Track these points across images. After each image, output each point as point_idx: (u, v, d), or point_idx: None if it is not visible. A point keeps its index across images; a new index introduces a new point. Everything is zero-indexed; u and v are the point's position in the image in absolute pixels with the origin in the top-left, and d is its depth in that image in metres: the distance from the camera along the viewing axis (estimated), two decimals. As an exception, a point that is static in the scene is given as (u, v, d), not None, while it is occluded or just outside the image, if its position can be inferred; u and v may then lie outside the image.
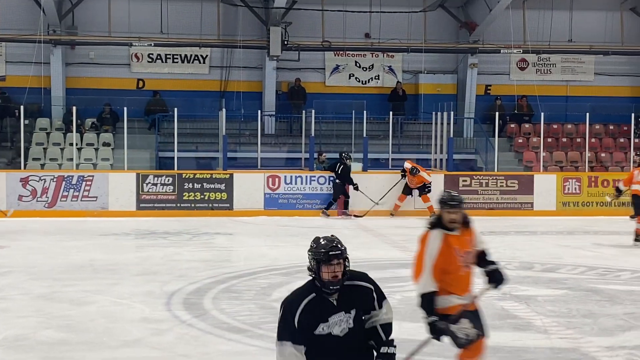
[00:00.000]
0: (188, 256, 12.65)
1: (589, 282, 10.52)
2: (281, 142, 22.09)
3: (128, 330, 7.83)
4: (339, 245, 4.46)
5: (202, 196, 18.64)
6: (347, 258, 4.40)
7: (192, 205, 18.60)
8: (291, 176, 18.98)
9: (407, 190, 18.71)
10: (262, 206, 18.71)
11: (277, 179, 18.86)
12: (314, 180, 18.96)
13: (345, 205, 18.46)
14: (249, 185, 18.80)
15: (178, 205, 18.54)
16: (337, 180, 18.31)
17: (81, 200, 18.14)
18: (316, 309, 4.25)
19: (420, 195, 18.50)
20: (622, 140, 22.36)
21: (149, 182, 18.47)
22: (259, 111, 20.48)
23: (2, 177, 18.08)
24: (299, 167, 20.30)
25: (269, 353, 7.06)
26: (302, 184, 18.93)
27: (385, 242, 14.64)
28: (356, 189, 18.27)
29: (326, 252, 4.43)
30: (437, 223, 5.61)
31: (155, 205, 18.44)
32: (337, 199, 18.45)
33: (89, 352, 7.01)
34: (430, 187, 18.27)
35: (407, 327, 8.10)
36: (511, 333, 7.84)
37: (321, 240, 4.56)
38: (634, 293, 9.79)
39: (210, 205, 18.61)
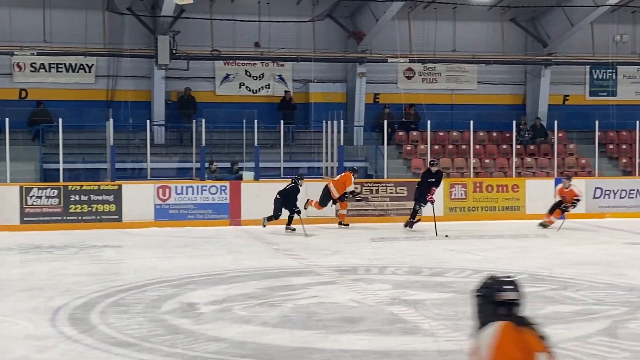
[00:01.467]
0: (75, 270, 12.31)
1: (474, 285, 10.79)
2: (171, 152, 21.81)
3: (11, 348, 7.56)
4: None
5: (90, 208, 18.19)
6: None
7: (79, 217, 18.12)
8: (182, 186, 18.76)
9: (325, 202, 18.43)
10: (152, 217, 18.41)
11: (167, 190, 18.60)
12: (206, 190, 18.79)
13: (289, 220, 17.52)
14: (138, 197, 18.47)
15: (64, 218, 18.03)
16: (279, 197, 17.46)
17: (-40, 215, 17.42)
18: None
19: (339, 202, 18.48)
20: (504, 146, 23.10)
21: (33, 195, 17.90)
22: (148, 121, 20.18)
23: None
24: (190, 177, 20.09)
25: (157, 366, 6.96)
26: (193, 194, 18.74)
27: (278, 251, 14.65)
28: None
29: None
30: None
31: (40, 218, 17.88)
32: (279, 214, 17.57)
33: (-33, 373, 6.73)
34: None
35: (299, 334, 8.13)
36: (400, 337, 7.96)
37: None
38: (517, 294, 10.09)
39: (98, 217, 18.18)
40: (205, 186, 18.85)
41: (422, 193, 17.55)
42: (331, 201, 18.39)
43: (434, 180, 17.59)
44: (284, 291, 10.46)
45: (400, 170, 22.01)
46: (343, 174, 18.61)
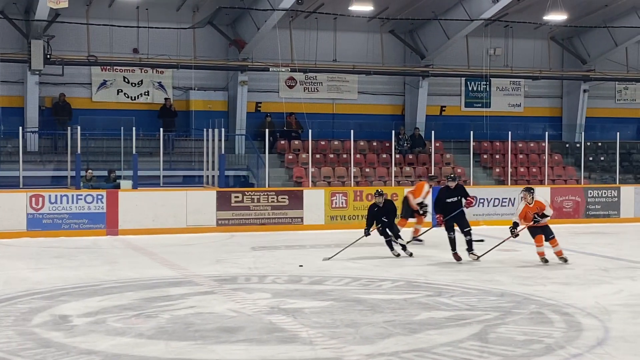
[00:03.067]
0: (-62, 283, 11.72)
1: (353, 293, 10.91)
2: (45, 159, 21.14)
3: None
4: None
5: (-43, 218, 17.41)
6: None
7: (-54, 227, 17.31)
8: (56, 195, 18.17)
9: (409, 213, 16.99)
10: (24, 227, 17.76)
11: (40, 199, 17.97)
12: (81, 198, 18.26)
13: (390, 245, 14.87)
14: (9, 206, 17.78)
15: None
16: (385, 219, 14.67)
17: None
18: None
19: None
20: (384, 155, 23.52)
21: None
22: (20, 127, 19.48)
23: None
24: (65, 186, 19.50)
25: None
26: (68, 203, 18.18)
27: (156, 261, 14.38)
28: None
29: None
30: None
31: None
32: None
33: None
34: None
35: (175, 345, 7.99)
36: (277, 346, 7.93)
37: None
38: (393, 302, 10.25)
39: (-34, 227, 17.41)
40: (81, 195, 18.33)
41: (447, 216, 14.05)
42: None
43: (456, 199, 14.19)
44: (161, 302, 10.26)
45: (281, 178, 22.08)
46: (419, 183, 17.69)
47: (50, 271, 12.98)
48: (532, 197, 13.63)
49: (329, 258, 14.17)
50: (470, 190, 21.47)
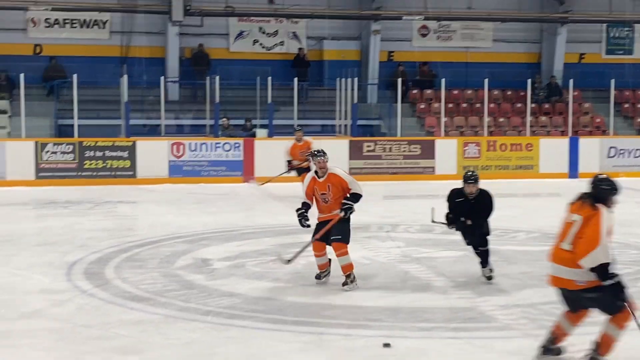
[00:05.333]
0: (90, 225, 12.43)
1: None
2: (185, 108, 21.83)
3: (27, 302, 7.68)
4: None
5: (104, 164, 18.30)
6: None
7: (94, 173, 18.24)
8: (196, 143, 18.81)
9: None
10: (166, 174, 18.50)
11: (181, 146, 18.66)
12: (219, 147, 18.83)
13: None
14: (152, 153, 18.54)
15: (79, 173, 18.15)
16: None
17: (-23, 170, 17.57)
18: None
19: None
20: (519, 105, 22.97)
21: (49, 151, 18.00)
22: (162, 77, 20.16)
23: None
24: (204, 134, 20.13)
25: (171, 321, 7.07)
26: (207, 151, 18.79)
27: (291, 208, 14.67)
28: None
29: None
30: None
31: (55, 174, 18.01)
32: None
33: (-16, 326, 6.85)
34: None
35: (312, 290, 8.22)
36: (411, 294, 8.03)
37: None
38: (528, 253, 10.14)
39: (113, 173, 18.29)
40: (219, 143, 18.89)
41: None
42: None
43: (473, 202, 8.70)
44: (297, 248, 10.51)
45: (413, 128, 21.96)
46: None
47: (191, 216, 13.51)
48: None
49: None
50: (610, 140, 20.77)
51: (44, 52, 22.06)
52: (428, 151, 19.72)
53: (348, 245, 8.36)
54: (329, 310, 7.17)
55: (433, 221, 8.98)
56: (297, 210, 8.57)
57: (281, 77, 21.70)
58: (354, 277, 8.29)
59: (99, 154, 18.27)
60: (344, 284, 8.23)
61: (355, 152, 19.22)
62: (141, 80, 21.32)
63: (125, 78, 19.29)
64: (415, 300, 7.80)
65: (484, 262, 8.59)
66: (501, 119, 22.65)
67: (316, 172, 8.62)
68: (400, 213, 14.07)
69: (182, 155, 18.62)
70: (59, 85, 20.80)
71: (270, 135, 19.64)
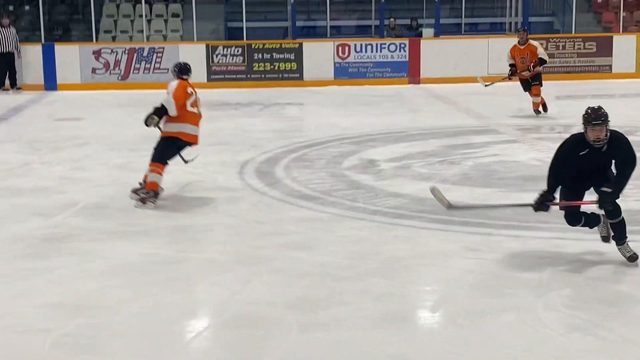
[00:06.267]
0: (259, 126, 12.75)
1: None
2: (350, 9, 21.67)
3: (203, 198, 8.02)
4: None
5: (272, 66, 18.60)
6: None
7: (262, 76, 18.59)
8: (361, 44, 18.71)
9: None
10: (332, 76, 18.59)
11: (346, 48, 18.62)
12: (385, 48, 18.65)
13: None
14: (318, 55, 18.63)
15: (248, 76, 18.56)
16: None
17: (153, 72, 18.32)
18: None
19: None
20: None
21: (219, 54, 18.47)
22: (328, -23, 20.06)
23: (75, 50, 18.30)
24: (369, 35, 19.97)
25: (340, 219, 7.19)
26: (372, 52, 18.66)
27: (458, 110, 14.46)
28: None
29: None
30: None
31: (226, 76, 18.50)
32: None
33: (165, 219, 7.23)
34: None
35: (479, 192, 8.11)
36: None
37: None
38: None
39: (280, 75, 18.58)
40: (384, 44, 18.70)
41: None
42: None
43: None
44: (464, 149, 10.38)
45: (589, 24, 20.81)
46: None
47: (357, 118, 13.56)
48: None
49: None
50: None
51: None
52: (604, 48, 18.69)
53: None
54: (498, 212, 7.05)
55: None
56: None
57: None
58: None
59: (267, 56, 18.56)
60: None
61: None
62: (307, -19, 21.31)
63: (291, -21, 19.34)
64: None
65: (620, 237, 5.85)
66: (687, 13, 21.07)
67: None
68: (573, 114, 13.47)
69: (347, 57, 18.60)
70: (227, -12, 21.15)
71: (436, 34, 19.22)
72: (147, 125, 7.73)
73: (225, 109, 15.01)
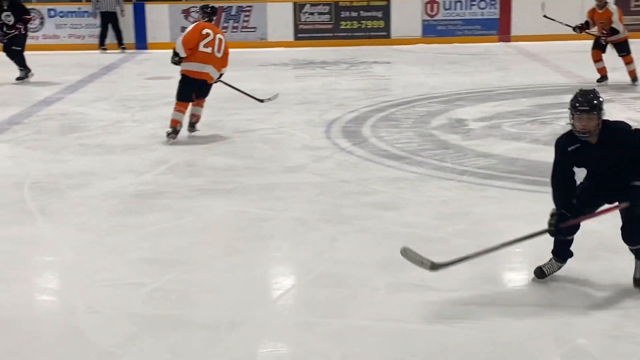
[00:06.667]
0: (346, 85, 12.69)
1: None
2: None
3: (290, 157, 8.05)
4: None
5: (359, 25, 18.45)
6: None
7: (349, 34, 18.47)
8: (450, 1, 18.36)
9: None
10: (420, 34, 18.34)
11: (435, 5, 18.32)
12: (474, 4, 18.27)
13: None
14: (406, 12, 18.38)
15: (335, 34, 18.46)
16: None
17: (240, 31, 18.42)
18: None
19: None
20: None
21: (306, 12, 18.42)
22: None
23: (165, 9, 18.52)
24: (458, -8, 19.58)
25: (427, 179, 7.12)
26: (461, 9, 18.31)
27: (549, 68, 14.09)
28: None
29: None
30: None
31: (313, 35, 18.45)
32: None
33: (253, 177, 7.28)
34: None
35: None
36: None
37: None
38: None
39: (367, 34, 18.42)
40: (474, 1, 18.31)
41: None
42: None
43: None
44: (555, 109, 10.13)
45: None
46: None
47: (445, 77, 13.36)
48: None
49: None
50: None
51: None
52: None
53: None
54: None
55: (545, 16, 8.01)
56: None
57: None
58: None
59: (354, 14, 18.41)
60: None
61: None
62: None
63: None
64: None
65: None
66: None
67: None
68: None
69: (435, 14, 18.31)
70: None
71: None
72: (172, 63, 8.67)
73: (311, 67, 15.00)
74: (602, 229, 5.23)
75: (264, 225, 5.96)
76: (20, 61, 13.20)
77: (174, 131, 8.61)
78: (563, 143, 4.62)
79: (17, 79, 13.20)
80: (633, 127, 4.62)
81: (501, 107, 10.40)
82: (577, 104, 4.47)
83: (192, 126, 8.93)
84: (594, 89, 4.59)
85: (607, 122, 4.52)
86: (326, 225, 5.90)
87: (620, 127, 4.59)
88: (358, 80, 13.25)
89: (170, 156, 8.11)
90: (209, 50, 8.57)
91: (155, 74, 14.22)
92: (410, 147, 8.31)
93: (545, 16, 13.33)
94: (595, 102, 4.45)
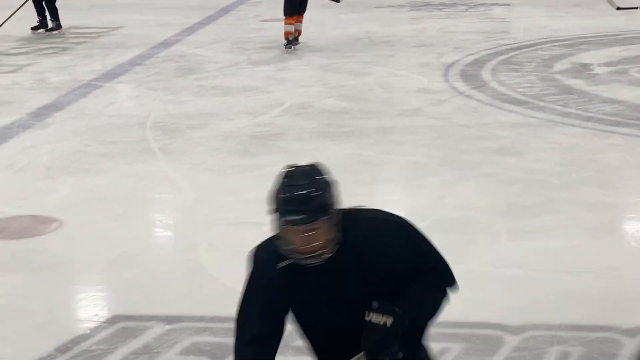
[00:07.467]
0: (464, 28, 12.35)
1: None
2: None
3: (406, 100, 7.92)
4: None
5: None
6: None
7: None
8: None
9: None
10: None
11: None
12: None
13: None
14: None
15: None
16: None
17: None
18: None
19: None
20: None
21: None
22: None
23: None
24: None
25: (550, 125, 6.91)
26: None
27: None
28: None
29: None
30: None
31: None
32: None
33: (368, 120, 7.22)
34: None
35: None
36: None
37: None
38: None
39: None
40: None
41: None
42: None
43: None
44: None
45: None
46: None
47: (568, 19, 12.82)
48: None
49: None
50: None
51: None
52: None
53: None
54: None
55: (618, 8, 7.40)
56: None
57: None
58: None
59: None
60: None
61: None
62: None
63: None
64: None
65: None
66: None
67: None
68: None
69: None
70: None
71: None
72: None
73: (428, 9, 14.66)
74: None
75: (381, 169, 5.91)
76: (52, 12, 12.36)
77: (289, 42, 10.17)
78: (266, 265, 2.43)
79: (33, 28, 12.13)
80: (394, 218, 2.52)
81: (628, 52, 9.92)
82: (286, 211, 2.28)
83: (295, 39, 10.31)
84: (314, 166, 2.38)
85: (353, 217, 2.43)
86: (445, 170, 5.80)
87: (378, 223, 2.48)
88: (477, 22, 12.88)
89: (286, 98, 8.12)
90: None
91: (270, 17, 14.22)
92: (532, 91, 8.05)
93: (619, 8, 12.55)
94: (318, 199, 2.30)
